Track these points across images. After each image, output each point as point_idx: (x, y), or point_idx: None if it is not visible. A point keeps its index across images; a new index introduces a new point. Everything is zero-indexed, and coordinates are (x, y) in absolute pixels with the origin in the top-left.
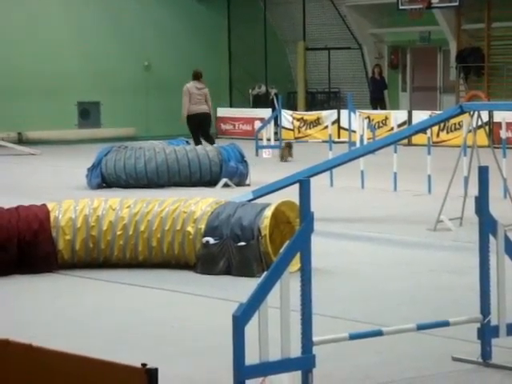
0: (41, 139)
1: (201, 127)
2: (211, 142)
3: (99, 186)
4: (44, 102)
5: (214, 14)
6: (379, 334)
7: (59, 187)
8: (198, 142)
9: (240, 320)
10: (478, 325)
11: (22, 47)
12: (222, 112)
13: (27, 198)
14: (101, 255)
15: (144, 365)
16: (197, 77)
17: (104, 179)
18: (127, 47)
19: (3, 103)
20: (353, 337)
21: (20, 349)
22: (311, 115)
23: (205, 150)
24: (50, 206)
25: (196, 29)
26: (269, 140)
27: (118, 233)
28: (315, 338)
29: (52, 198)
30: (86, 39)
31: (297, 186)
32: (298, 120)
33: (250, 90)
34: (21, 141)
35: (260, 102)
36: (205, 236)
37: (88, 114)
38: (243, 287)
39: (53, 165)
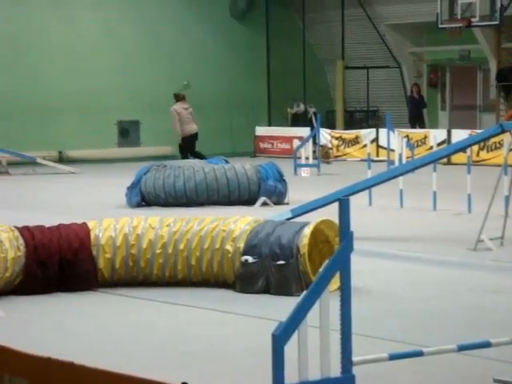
0: (81, 158)
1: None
2: (203, 157)
3: (139, 205)
4: (84, 120)
5: (252, 33)
6: (419, 354)
7: (99, 205)
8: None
9: (279, 339)
10: None
11: (62, 66)
12: (261, 131)
13: (68, 217)
14: (140, 273)
15: (184, 383)
16: (180, 98)
17: (143, 198)
18: (166, 66)
19: (44, 122)
20: (393, 357)
21: (62, 366)
22: (350, 134)
23: (244, 168)
24: (90, 225)
25: (235, 48)
26: (307, 159)
27: (158, 251)
28: (355, 358)
29: (92, 217)
30: (125, 58)
31: (335, 204)
32: (337, 138)
33: (289, 109)
34: (61, 159)
35: (298, 120)
36: (244, 254)
37: (128, 132)
38: (282, 306)
39: (93, 183)
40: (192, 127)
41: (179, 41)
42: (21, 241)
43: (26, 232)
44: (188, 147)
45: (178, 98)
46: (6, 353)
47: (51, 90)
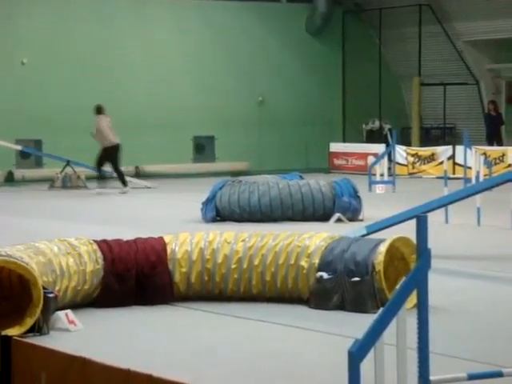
0: (157, 173)
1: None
2: (122, 176)
3: (213, 220)
4: (161, 136)
5: (328, 50)
6: (499, 375)
7: (175, 220)
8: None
9: (356, 356)
10: None
11: (139, 82)
12: (335, 147)
13: (144, 231)
14: (215, 288)
15: None
16: (102, 111)
17: (218, 213)
18: (242, 82)
19: (122, 137)
20: (472, 377)
21: (140, 378)
22: (426, 151)
23: (318, 184)
24: (166, 239)
25: (310, 64)
26: (382, 175)
27: (233, 266)
28: (432, 377)
29: (168, 231)
30: (202, 74)
31: (410, 222)
32: (412, 155)
33: (364, 125)
34: (138, 174)
35: (373, 137)
36: (319, 271)
37: (203, 148)
38: (357, 323)
39: (168, 198)
40: (116, 140)
41: (255, 57)
42: (99, 254)
43: (104, 245)
44: (109, 157)
45: (100, 110)
46: (87, 364)
47: (129, 107)
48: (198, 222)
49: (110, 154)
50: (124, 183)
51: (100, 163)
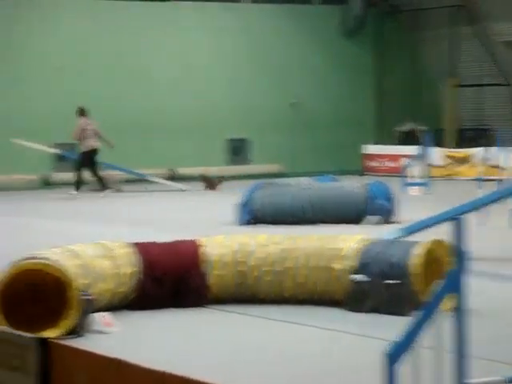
0: (191, 175)
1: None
2: (101, 180)
3: (248, 222)
4: (195, 139)
5: (361, 51)
6: None
7: (209, 222)
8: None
9: (392, 359)
10: None
11: (174, 86)
12: (369, 149)
13: (179, 233)
14: (249, 290)
15: None
16: (84, 113)
17: (252, 215)
18: (275, 85)
19: (156, 140)
20: (510, 380)
21: (176, 381)
22: (460, 152)
23: (352, 186)
24: (201, 242)
25: (343, 66)
26: (416, 177)
27: (266, 268)
28: (470, 381)
29: (203, 233)
30: (236, 77)
31: (445, 224)
32: (447, 157)
33: (398, 127)
34: (172, 177)
35: (407, 138)
36: (353, 273)
37: (237, 150)
38: (392, 326)
39: (203, 201)
40: (92, 143)
41: (288, 59)
42: (135, 257)
43: (140, 248)
44: (85, 162)
45: (83, 113)
46: (124, 367)
47: (164, 109)
48: (232, 225)
49: (87, 158)
50: (103, 186)
51: (78, 168)
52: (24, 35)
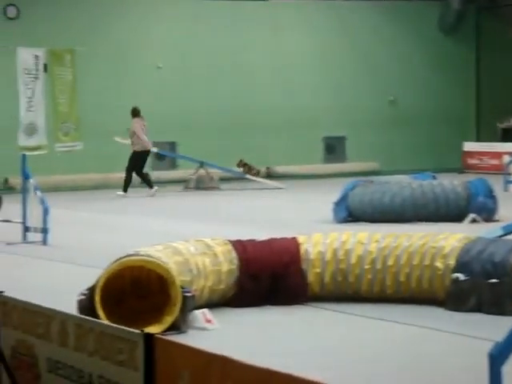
0: (287, 173)
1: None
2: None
3: (345, 220)
4: (291, 137)
5: (461, 47)
6: None
7: (306, 220)
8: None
9: (496, 359)
10: None
11: (269, 84)
12: (469, 146)
13: (277, 231)
14: (349, 289)
15: None
16: (138, 114)
17: (350, 213)
18: (372, 82)
19: (253, 139)
20: None
21: (281, 378)
22: None
23: (452, 184)
24: (300, 239)
25: (442, 62)
26: None
27: (367, 267)
28: None
29: (300, 231)
30: (333, 75)
31: None
32: None
33: (499, 124)
34: (269, 175)
35: (509, 135)
36: (455, 272)
37: (333, 148)
38: (495, 325)
39: (299, 199)
40: (146, 144)
41: (386, 56)
42: (234, 254)
43: (238, 245)
44: (140, 162)
45: (136, 113)
46: (228, 363)
47: (259, 108)
48: (330, 223)
49: (139, 158)
50: (151, 186)
51: (135, 168)
52: (124, 33)
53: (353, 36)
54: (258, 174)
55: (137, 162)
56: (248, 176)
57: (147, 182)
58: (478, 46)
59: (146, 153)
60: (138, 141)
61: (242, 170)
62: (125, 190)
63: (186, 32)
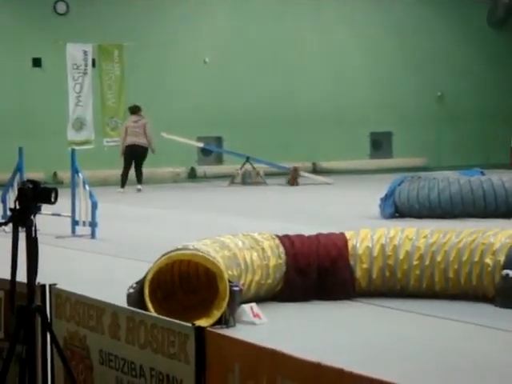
0: (333, 169)
1: (135, 159)
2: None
3: (392, 216)
4: (338, 132)
5: (509, 42)
6: None
7: (353, 216)
8: (126, 174)
9: None
10: None
11: (317, 79)
12: None
13: (324, 226)
14: (397, 284)
15: None
16: (134, 111)
17: (397, 209)
18: (420, 78)
19: (300, 134)
20: None
21: (331, 372)
22: None
23: (501, 180)
24: (348, 235)
25: (491, 57)
26: None
27: (415, 263)
28: None
29: (347, 227)
30: (380, 70)
31: None
32: None
33: None
34: (315, 170)
35: None
36: (504, 268)
37: (380, 144)
38: None
39: (346, 194)
40: (134, 139)
41: (434, 51)
42: (281, 249)
43: (286, 240)
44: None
45: (132, 110)
46: (278, 357)
47: (306, 103)
48: (377, 219)
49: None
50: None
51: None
52: (171, 28)
53: (401, 31)
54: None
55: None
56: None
57: (123, 181)
58: None
59: (128, 151)
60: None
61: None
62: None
63: (233, 27)
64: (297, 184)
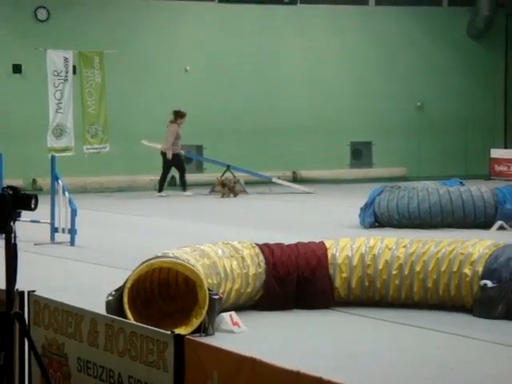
0: (314, 178)
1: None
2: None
3: (372, 225)
4: (318, 141)
5: (490, 53)
6: None
7: (332, 225)
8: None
9: None
10: None
11: (297, 88)
12: (497, 153)
13: (303, 235)
14: (376, 294)
15: None
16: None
17: (376, 218)
18: (401, 87)
19: (280, 143)
20: None
21: (310, 381)
22: None
23: (480, 191)
24: (327, 244)
25: (471, 68)
26: None
27: (394, 272)
28: None
29: (326, 236)
30: (360, 79)
31: None
32: None
33: None
34: (295, 179)
35: None
36: (482, 279)
37: (360, 153)
38: None
39: (325, 203)
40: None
41: (414, 62)
42: (261, 257)
43: (266, 249)
44: (179, 165)
45: (177, 115)
46: (257, 365)
47: (287, 112)
48: (356, 228)
49: (168, 162)
50: (161, 190)
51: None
52: (152, 36)
53: (381, 41)
54: (236, 193)
55: (167, 164)
56: (275, 180)
57: (161, 185)
58: (508, 52)
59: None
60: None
61: (220, 190)
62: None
63: (213, 35)
64: (234, 195)
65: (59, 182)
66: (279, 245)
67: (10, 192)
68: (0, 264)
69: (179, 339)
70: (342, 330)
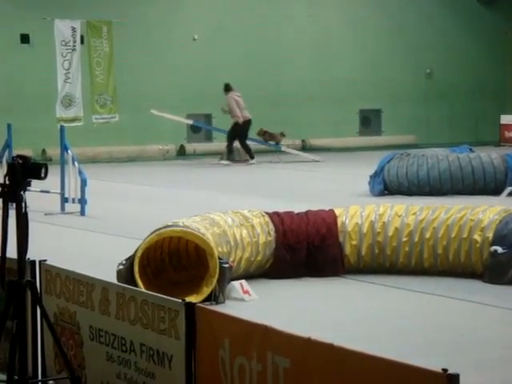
0: (323, 146)
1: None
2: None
3: (381, 193)
4: (327, 110)
5: (498, 19)
6: None
7: (342, 193)
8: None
9: None
10: None
11: (306, 57)
12: (507, 119)
13: (313, 203)
14: (386, 261)
15: (445, 370)
16: (230, 88)
17: (386, 186)
18: (409, 55)
19: (289, 111)
20: None
21: (321, 347)
22: None
23: (490, 157)
24: (337, 212)
25: (480, 34)
26: None
27: (404, 239)
28: None
29: (336, 204)
30: (368, 47)
31: None
32: None
33: None
34: (304, 148)
35: None
36: (493, 245)
37: (369, 121)
38: None
39: (335, 171)
40: (247, 114)
41: (422, 28)
42: (271, 226)
43: (276, 217)
44: (242, 133)
45: (229, 88)
46: (268, 332)
47: (296, 81)
48: (366, 196)
49: (239, 130)
50: (251, 157)
51: (232, 138)
52: (160, 5)
53: (390, 9)
54: (279, 141)
55: (237, 132)
56: (284, 149)
57: (248, 151)
58: None
59: (246, 124)
60: (233, 114)
61: (262, 138)
62: (228, 158)
63: (221, 4)
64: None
65: (69, 152)
66: (289, 213)
67: (20, 161)
68: (11, 233)
69: (190, 307)
70: (353, 297)
